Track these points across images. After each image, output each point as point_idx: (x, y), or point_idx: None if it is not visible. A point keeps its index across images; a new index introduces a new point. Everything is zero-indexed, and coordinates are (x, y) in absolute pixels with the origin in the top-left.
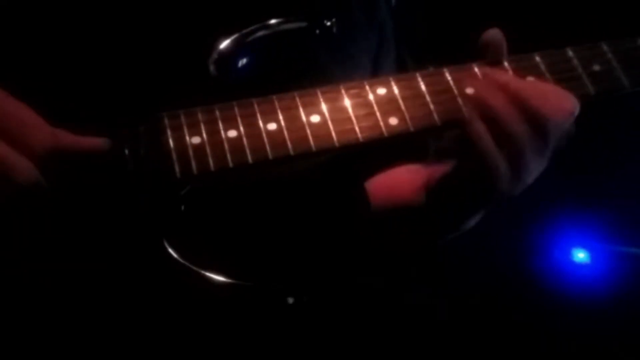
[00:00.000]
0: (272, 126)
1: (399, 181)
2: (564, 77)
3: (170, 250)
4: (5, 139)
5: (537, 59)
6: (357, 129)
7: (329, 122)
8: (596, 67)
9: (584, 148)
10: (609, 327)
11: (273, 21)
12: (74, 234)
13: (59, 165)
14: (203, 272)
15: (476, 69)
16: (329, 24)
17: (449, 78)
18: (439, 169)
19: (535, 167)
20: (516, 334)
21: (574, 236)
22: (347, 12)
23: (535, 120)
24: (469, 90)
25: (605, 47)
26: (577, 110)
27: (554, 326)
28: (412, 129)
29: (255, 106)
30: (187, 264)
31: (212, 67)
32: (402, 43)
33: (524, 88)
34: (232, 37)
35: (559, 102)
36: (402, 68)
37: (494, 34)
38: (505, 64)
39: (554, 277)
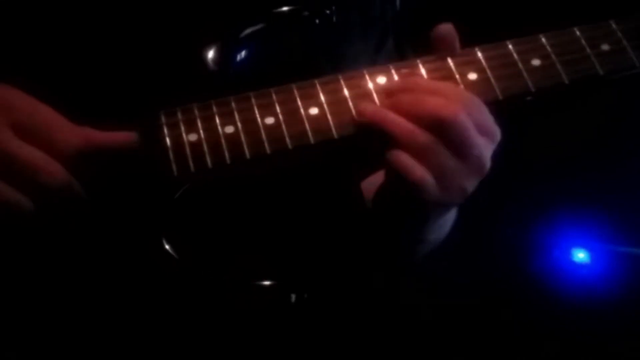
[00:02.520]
0: (269, 120)
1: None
2: (571, 58)
3: (169, 249)
4: (31, 141)
5: (543, 40)
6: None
7: (328, 115)
8: (605, 47)
9: (584, 148)
10: (609, 327)
11: (273, 12)
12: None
13: (91, 164)
14: (202, 270)
15: (479, 53)
16: (328, 12)
17: (451, 64)
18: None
19: (465, 172)
20: (516, 333)
21: (574, 236)
22: (343, 11)
23: (436, 126)
24: (472, 76)
25: (614, 26)
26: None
27: (554, 326)
28: None
29: (253, 100)
30: (186, 262)
31: (210, 62)
32: (406, 42)
33: (412, 100)
34: (230, 31)
35: (451, 99)
36: None
37: (445, 29)
38: (510, 46)
39: (553, 277)
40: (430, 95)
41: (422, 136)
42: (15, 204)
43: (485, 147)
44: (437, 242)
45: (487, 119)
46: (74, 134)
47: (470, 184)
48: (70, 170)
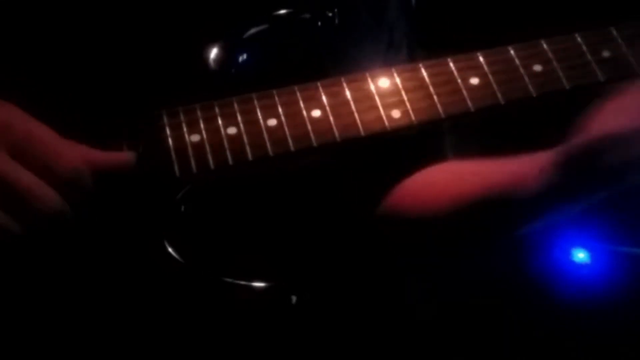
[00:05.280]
0: (272, 122)
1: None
2: (572, 64)
3: (171, 251)
4: (28, 163)
5: (545, 45)
6: (359, 123)
7: (330, 117)
8: (606, 53)
9: None
10: (609, 327)
11: (274, 14)
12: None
13: (84, 187)
14: (204, 272)
15: (481, 58)
16: (330, 14)
17: (453, 68)
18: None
19: None
20: (516, 333)
21: (574, 236)
22: (352, 12)
23: None
24: (474, 81)
25: (614, 32)
26: None
27: (554, 326)
28: (415, 121)
29: (255, 101)
30: (188, 264)
31: (213, 63)
32: (419, 44)
33: None
34: (233, 32)
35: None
36: None
37: None
38: (511, 51)
39: (553, 277)
40: None
41: None
42: (4, 228)
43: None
44: None
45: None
46: (70, 156)
47: None
48: (66, 193)
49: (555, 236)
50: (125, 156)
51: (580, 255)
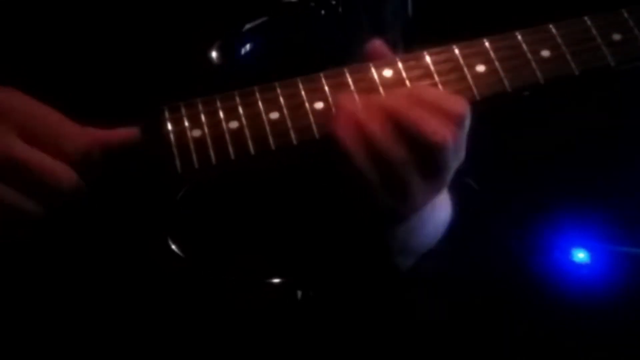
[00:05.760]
0: (274, 115)
1: None
2: (581, 49)
3: (174, 248)
4: (37, 143)
5: (553, 30)
6: None
7: (333, 109)
8: (616, 36)
9: (585, 147)
10: (609, 327)
11: (278, 3)
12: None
13: (94, 164)
14: (208, 269)
15: (487, 44)
16: (334, 2)
17: (459, 55)
18: None
19: (428, 190)
20: (516, 333)
21: (574, 236)
22: (352, 10)
23: (417, 143)
24: (480, 68)
25: (625, 14)
26: (465, 120)
27: (554, 326)
28: None
29: (257, 94)
30: (191, 261)
31: (214, 56)
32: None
33: (402, 107)
34: (234, 24)
35: (444, 116)
36: None
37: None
38: (519, 37)
39: (553, 277)
40: (430, 115)
41: (398, 148)
42: (24, 209)
43: (454, 169)
44: (424, 246)
45: (464, 139)
46: (78, 134)
47: (428, 199)
48: (77, 172)
49: (555, 236)
50: (128, 132)
51: (580, 255)
